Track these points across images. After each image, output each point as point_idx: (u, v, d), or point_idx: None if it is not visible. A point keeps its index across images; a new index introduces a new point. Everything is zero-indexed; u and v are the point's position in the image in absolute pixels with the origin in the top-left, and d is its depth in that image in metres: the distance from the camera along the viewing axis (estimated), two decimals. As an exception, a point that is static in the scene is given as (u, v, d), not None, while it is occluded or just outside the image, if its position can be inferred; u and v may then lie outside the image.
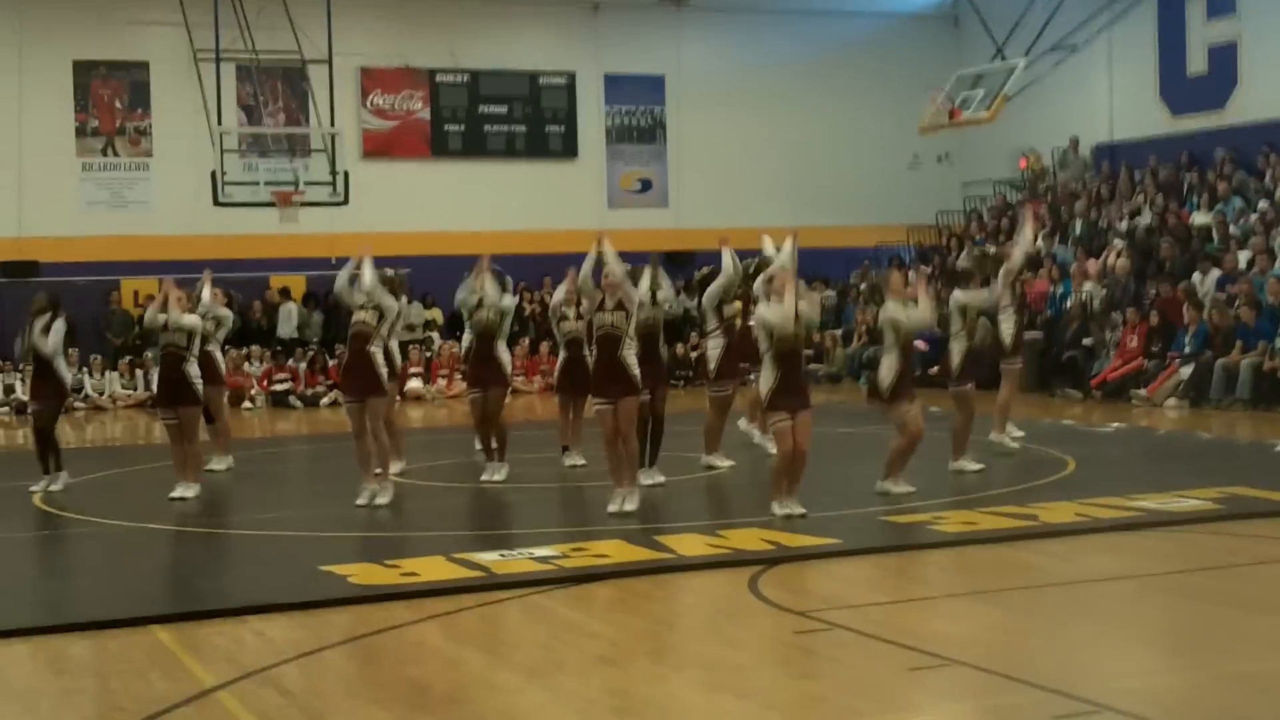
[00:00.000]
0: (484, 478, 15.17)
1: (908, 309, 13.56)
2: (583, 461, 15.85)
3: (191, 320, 14.88)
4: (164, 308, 14.78)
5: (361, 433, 13.81)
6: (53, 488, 15.20)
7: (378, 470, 13.94)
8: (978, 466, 15.02)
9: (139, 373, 27.71)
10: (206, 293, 16.20)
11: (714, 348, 15.83)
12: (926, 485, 13.73)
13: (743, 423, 17.58)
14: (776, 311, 12.34)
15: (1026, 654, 8.14)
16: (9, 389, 26.76)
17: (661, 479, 14.55)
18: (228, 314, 16.58)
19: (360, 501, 13.71)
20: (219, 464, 16.52)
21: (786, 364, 12.29)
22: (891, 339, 13.40)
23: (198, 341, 14.93)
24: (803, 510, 12.30)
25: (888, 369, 13.38)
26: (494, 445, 15.35)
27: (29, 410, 15.74)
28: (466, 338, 15.95)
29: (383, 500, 13.76)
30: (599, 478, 14.00)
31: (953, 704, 7.36)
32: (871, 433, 18.11)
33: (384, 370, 14.02)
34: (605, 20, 33.32)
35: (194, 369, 14.74)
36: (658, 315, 14.55)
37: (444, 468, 16.26)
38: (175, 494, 14.53)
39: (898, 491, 13.38)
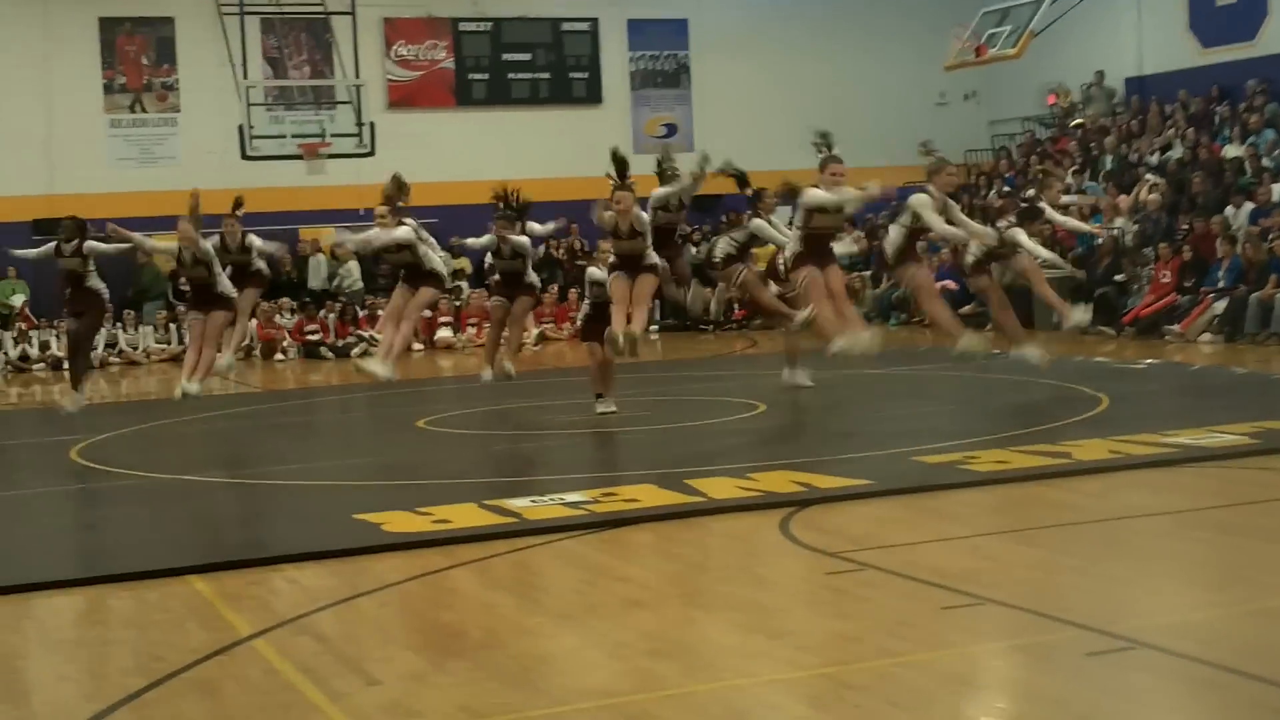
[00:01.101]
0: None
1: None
2: (614, 409, 15.87)
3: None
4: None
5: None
6: (67, 408, 15.40)
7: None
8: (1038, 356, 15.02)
9: (172, 327, 27.82)
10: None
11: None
12: (958, 425, 13.70)
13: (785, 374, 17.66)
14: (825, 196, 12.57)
15: (1060, 592, 8.13)
16: (44, 345, 26.89)
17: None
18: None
19: None
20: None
21: (817, 240, 12.58)
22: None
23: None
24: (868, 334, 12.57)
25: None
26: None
27: (67, 329, 15.92)
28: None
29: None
30: (629, 424, 14.02)
31: (986, 642, 7.36)
32: (903, 374, 18.10)
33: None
34: (627, -36, 33.19)
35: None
36: (677, 219, 15.08)
37: (475, 415, 16.29)
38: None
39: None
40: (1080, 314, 15.42)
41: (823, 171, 13.77)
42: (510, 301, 16.43)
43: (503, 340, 16.91)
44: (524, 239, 16.60)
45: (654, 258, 14.24)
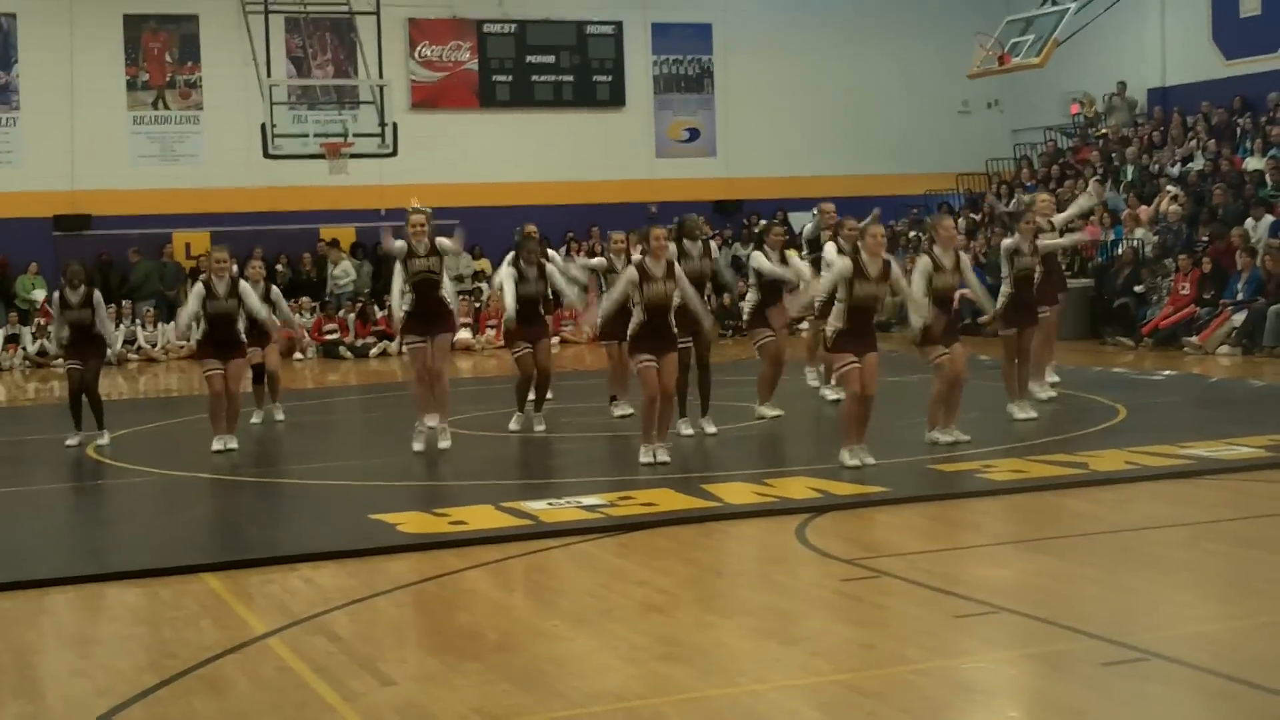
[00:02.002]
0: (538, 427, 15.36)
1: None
2: (631, 411, 15.87)
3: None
4: None
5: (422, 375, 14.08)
6: (100, 442, 15.31)
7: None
8: (1028, 414, 14.95)
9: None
10: None
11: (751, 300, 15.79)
12: (976, 433, 13.69)
13: (808, 373, 17.66)
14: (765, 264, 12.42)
15: (1076, 601, 8.12)
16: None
17: (713, 429, 14.58)
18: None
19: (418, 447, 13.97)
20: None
21: (859, 314, 12.26)
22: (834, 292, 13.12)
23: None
24: (872, 460, 12.31)
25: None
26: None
27: (66, 368, 15.73)
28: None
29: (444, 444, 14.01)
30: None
31: (1001, 651, 7.35)
32: (921, 381, 18.07)
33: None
34: (652, -32, 33.19)
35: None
36: (704, 267, 14.63)
37: (493, 417, 16.30)
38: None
39: (946, 440, 13.37)
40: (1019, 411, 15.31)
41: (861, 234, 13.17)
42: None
43: None
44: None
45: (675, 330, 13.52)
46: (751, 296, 15.62)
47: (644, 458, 12.76)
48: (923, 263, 13.32)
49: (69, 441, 15.25)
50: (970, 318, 25.82)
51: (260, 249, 25.03)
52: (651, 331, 12.78)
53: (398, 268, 14.35)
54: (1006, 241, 15.56)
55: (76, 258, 16.49)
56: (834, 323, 12.36)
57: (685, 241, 14.72)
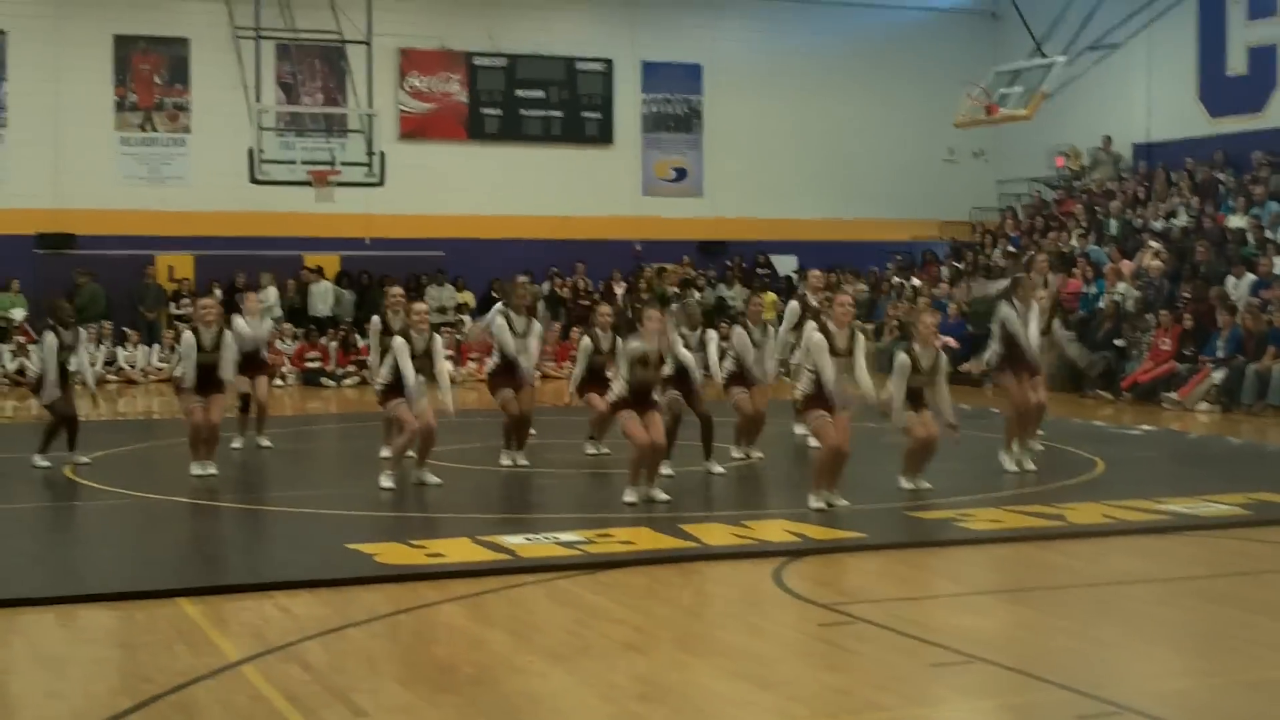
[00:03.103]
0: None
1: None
2: (606, 450, 15.92)
3: None
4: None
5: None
6: (80, 461, 15.30)
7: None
8: (1012, 468, 14.99)
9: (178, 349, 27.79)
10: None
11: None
12: (954, 483, 13.73)
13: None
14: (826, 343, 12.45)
15: (1050, 653, 8.13)
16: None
17: (720, 469, 14.68)
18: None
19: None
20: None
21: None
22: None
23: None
24: (844, 501, 12.40)
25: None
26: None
27: (56, 409, 15.65)
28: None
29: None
30: (625, 465, 13.97)
31: (976, 700, 7.36)
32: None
33: None
34: (643, 7, 33.32)
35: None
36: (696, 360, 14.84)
37: (472, 451, 16.29)
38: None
39: (909, 487, 13.46)
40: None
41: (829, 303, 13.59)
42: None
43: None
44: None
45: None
46: (728, 364, 15.82)
47: (628, 497, 12.77)
48: (900, 362, 13.36)
49: (40, 463, 15.23)
50: (953, 366, 25.87)
51: (263, 279, 25.11)
52: (634, 399, 12.85)
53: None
54: (1006, 311, 15.47)
55: (63, 296, 16.48)
56: (804, 389, 12.56)
57: (683, 330, 15.00)
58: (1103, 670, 7.73)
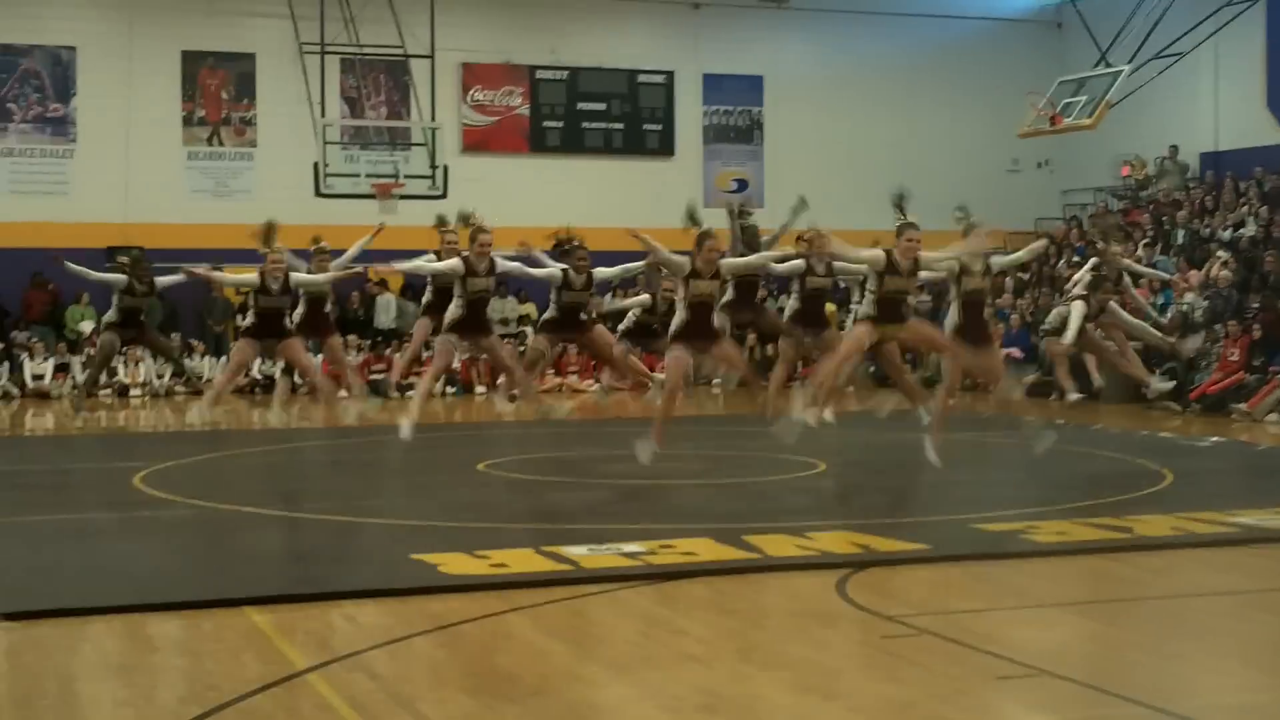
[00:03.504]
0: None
1: None
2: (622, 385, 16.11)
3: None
4: None
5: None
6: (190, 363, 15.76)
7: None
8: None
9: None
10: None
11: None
12: (1020, 494, 13.65)
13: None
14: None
15: (1119, 667, 8.06)
16: (112, 372, 27.11)
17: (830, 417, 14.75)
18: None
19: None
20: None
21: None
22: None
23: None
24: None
25: None
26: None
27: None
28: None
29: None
30: (688, 477, 14.02)
31: (1042, 714, 7.30)
32: (966, 439, 18.03)
33: None
34: (705, 19, 33.35)
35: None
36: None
37: (536, 461, 16.32)
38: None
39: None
40: (1159, 383, 15.53)
41: (899, 239, 13.80)
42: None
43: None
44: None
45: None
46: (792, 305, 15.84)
47: (642, 453, 12.88)
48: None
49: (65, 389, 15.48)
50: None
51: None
52: (693, 325, 12.83)
53: (456, 283, 14.51)
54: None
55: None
56: (864, 310, 12.68)
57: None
58: (1173, 684, 7.66)
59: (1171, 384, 14.45)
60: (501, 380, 14.40)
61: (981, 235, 13.83)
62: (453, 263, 15.47)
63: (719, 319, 13.24)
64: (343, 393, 15.86)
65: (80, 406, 18.45)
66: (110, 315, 17.38)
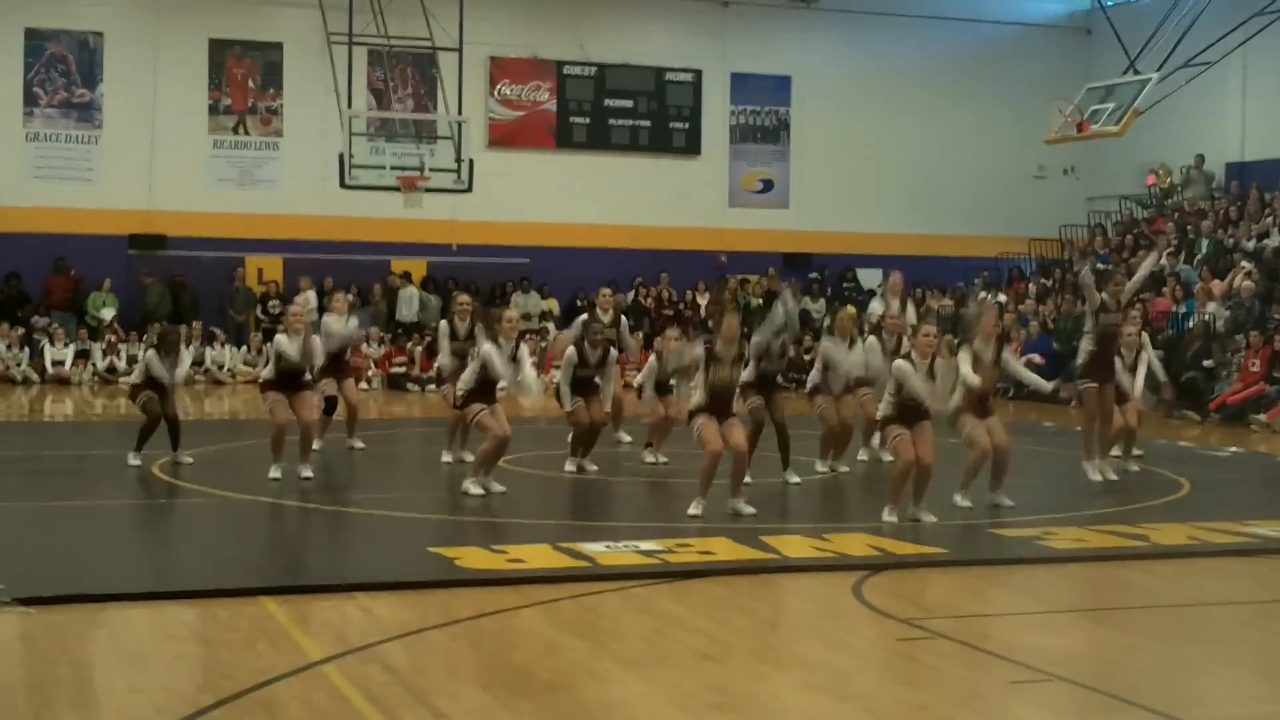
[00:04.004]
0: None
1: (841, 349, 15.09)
2: (664, 459, 16.01)
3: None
4: None
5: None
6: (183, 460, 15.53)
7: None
8: (1097, 478, 14.93)
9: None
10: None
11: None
12: (1038, 501, 13.65)
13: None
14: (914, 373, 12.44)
15: (1132, 674, 8.06)
16: (132, 359, 27.17)
17: (796, 479, 14.65)
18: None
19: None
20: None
21: (906, 407, 12.48)
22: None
23: None
24: (931, 517, 12.38)
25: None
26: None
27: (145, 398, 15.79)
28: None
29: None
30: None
31: (1055, 719, 7.31)
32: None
33: None
34: (734, 18, 33.32)
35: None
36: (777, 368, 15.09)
37: (554, 457, 16.33)
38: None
39: (964, 505, 13.38)
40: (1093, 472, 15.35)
41: (915, 335, 13.71)
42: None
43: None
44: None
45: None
46: (813, 375, 15.83)
47: (693, 510, 12.70)
48: (962, 355, 13.32)
49: (132, 461, 15.38)
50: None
51: (301, 282, 25.38)
52: (712, 408, 12.83)
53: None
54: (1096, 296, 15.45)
55: (171, 328, 16.66)
56: (884, 411, 12.62)
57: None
58: (1184, 692, 7.66)
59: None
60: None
61: (992, 312, 13.68)
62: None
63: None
64: (317, 443, 15.72)
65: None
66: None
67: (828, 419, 15.69)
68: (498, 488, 13.86)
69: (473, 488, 13.77)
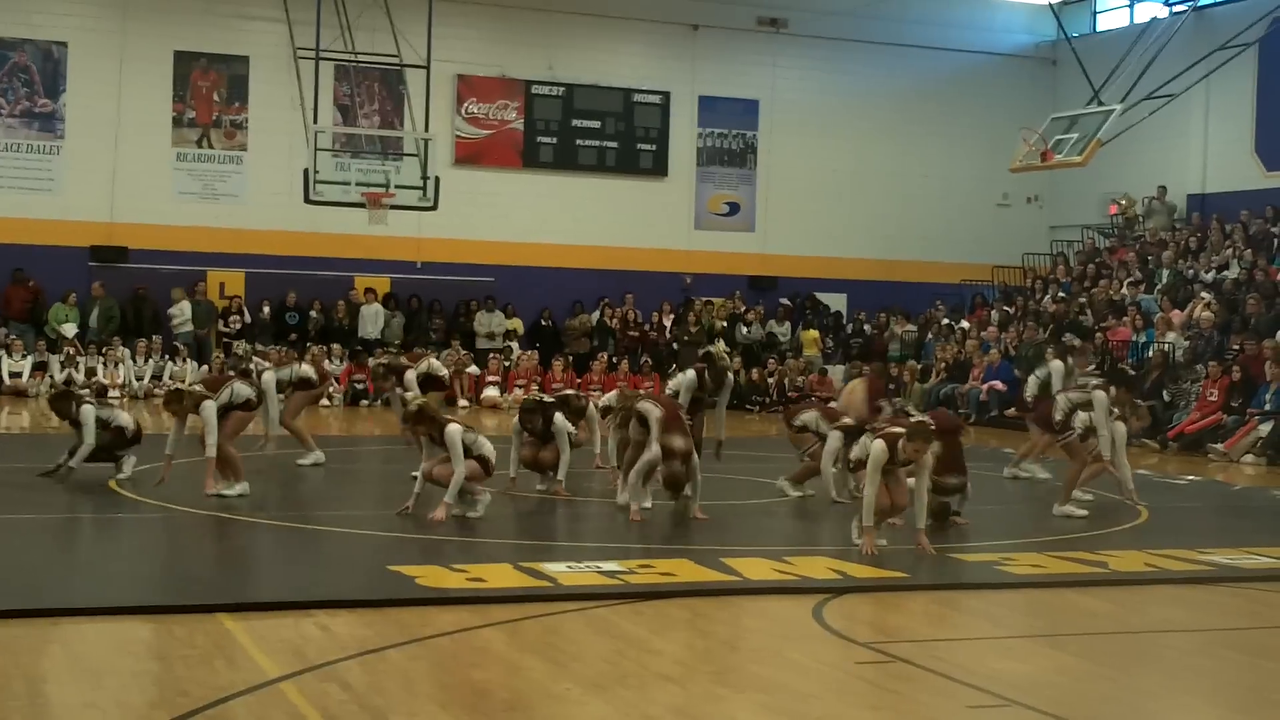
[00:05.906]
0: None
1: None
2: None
3: None
4: None
5: None
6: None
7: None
8: (1081, 512, 14.98)
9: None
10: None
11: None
12: (997, 527, 13.69)
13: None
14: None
15: (1088, 700, 8.08)
16: (90, 371, 27.02)
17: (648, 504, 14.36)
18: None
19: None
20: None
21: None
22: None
23: None
24: (883, 540, 12.31)
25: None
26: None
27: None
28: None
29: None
30: (668, 497, 13.99)
31: (1012, 745, 7.32)
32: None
33: None
34: (703, 41, 33.41)
35: None
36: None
37: (517, 476, 16.27)
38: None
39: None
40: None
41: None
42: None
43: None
44: None
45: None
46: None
47: (626, 499, 13.09)
48: (876, 449, 12.73)
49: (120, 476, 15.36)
50: (998, 409, 25.79)
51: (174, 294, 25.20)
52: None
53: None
54: (1099, 395, 15.43)
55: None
56: (857, 453, 12.80)
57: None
58: (1141, 718, 7.67)
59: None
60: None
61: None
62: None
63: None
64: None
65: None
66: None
67: (814, 456, 15.50)
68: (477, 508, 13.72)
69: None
